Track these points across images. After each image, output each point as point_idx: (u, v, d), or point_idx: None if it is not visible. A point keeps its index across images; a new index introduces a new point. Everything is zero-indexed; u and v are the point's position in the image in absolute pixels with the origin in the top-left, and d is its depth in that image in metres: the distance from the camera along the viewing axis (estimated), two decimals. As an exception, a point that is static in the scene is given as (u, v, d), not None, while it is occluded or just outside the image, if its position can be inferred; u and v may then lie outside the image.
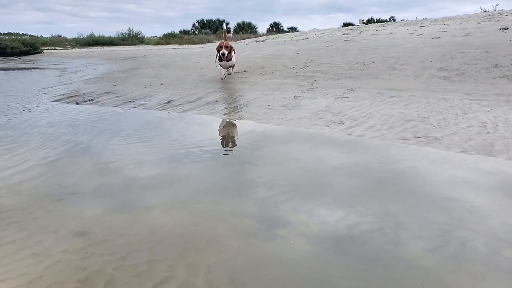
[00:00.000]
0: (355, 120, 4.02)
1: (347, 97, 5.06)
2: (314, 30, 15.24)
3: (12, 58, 20.78)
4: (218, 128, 3.89)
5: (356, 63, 6.96)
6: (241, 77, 6.99)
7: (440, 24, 9.93)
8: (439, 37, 7.77)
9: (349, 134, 3.59)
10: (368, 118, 4.04)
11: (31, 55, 21.87)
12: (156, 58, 11.95)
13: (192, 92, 6.15)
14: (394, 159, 2.92)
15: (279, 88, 5.95)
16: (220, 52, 6.31)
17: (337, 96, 5.13)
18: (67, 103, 5.96)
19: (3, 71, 13.30)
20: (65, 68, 13.24)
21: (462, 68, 5.77)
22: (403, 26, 10.77)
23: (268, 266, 1.62)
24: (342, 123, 3.95)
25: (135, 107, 5.42)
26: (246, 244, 1.78)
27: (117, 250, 1.74)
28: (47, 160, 3.05)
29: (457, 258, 1.65)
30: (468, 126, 3.52)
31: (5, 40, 22.43)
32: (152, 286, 1.49)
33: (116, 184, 2.55)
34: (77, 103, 5.90)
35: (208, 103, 5.36)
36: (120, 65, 11.29)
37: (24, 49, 22.17)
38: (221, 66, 6.63)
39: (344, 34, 10.58)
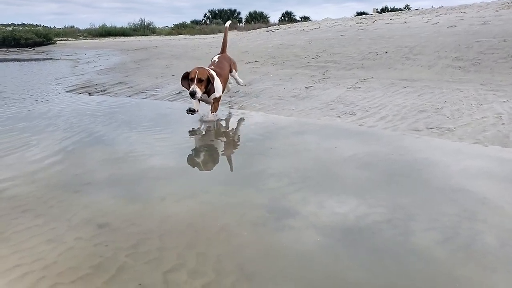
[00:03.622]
0: (367, 111, 3.98)
1: (359, 87, 5.00)
2: (326, 19, 15.05)
3: (26, 49, 21.05)
4: (228, 119, 3.89)
5: (369, 53, 6.87)
6: (252, 67, 6.96)
7: (456, 12, 9.71)
8: (455, 26, 7.60)
9: (360, 125, 3.55)
10: (380, 109, 3.99)
11: (45, 46, 22.12)
12: (168, 49, 11.98)
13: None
14: (406, 150, 2.89)
15: (290, 78, 5.91)
16: (189, 91, 3.66)
17: (349, 87, 5.08)
18: (80, 93, 6.03)
19: (18, 62, 13.50)
20: (78, 58, 13.37)
21: (478, 57, 5.65)
22: (418, 14, 10.55)
23: (277, 256, 1.63)
24: (353, 114, 3.91)
25: (146, 97, 5.45)
26: (255, 234, 1.80)
27: (129, 238, 1.77)
28: (62, 150, 3.10)
29: (468, 250, 1.63)
30: (482, 117, 3.46)
31: (19, 31, 22.73)
32: (162, 273, 1.52)
33: (128, 174, 2.58)
34: (89, 94, 5.96)
35: (219, 93, 5.36)
36: (132, 56, 11.35)
37: (37, 40, 22.44)
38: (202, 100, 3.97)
39: (357, 23, 10.43)
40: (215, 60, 4.48)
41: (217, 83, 3.95)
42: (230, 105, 4.67)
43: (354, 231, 1.80)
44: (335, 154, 2.83)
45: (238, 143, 3.23)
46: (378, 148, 2.93)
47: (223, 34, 5.33)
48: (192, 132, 3.46)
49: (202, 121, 3.99)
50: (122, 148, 3.12)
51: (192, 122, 3.95)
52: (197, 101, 3.87)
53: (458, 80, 4.91)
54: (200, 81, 3.71)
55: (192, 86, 3.66)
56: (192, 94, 3.64)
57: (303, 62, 6.89)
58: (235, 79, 5.12)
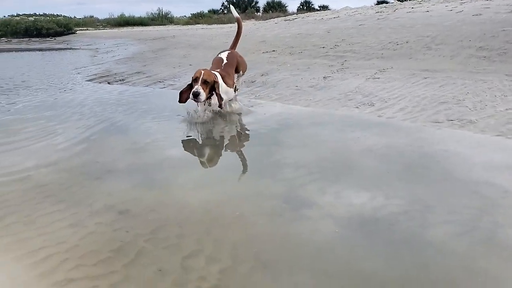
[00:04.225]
0: (385, 101, 3.92)
1: (379, 78, 4.92)
2: (346, 8, 14.79)
3: (47, 39, 21.45)
4: (245, 109, 3.90)
5: (389, 42, 6.74)
6: (269, 57, 6.93)
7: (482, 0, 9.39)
8: (480, 14, 7.37)
9: (379, 116, 3.51)
10: (399, 100, 3.93)
11: (65, 36, 22.48)
12: (185, 38, 12.01)
13: (220, 72, 6.16)
14: (425, 142, 2.84)
15: (308, 68, 5.86)
16: (192, 92, 3.25)
17: (368, 77, 5.00)
18: (100, 82, 6.13)
19: (40, 52, 13.79)
20: (97, 48, 13.55)
21: (504, 47, 5.47)
22: (441, 3, 10.26)
23: (293, 245, 1.64)
24: (372, 104, 3.86)
25: (164, 87, 5.50)
26: (271, 223, 1.81)
27: (148, 224, 1.81)
28: (84, 138, 3.17)
29: (488, 244, 1.61)
30: (506, 109, 3.36)
31: (41, 21, 23.13)
32: (181, 258, 1.55)
33: (147, 162, 2.63)
34: (108, 83, 6.05)
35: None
36: (149, 46, 11.44)
37: (58, 29, 22.82)
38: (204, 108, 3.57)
39: (378, 12, 10.22)
40: (222, 59, 3.78)
41: (224, 89, 3.50)
42: (246, 95, 4.67)
43: (371, 222, 1.79)
44: (353, 145, 2.81)
45: (255, 133, 3.24)
46: (396, 140, 2.89)
47: (237, 26, 4.26)
48: (210, 122, 3.48)
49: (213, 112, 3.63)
50: (142, 137, 3.17)
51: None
52: (203, 109, 3.51)
53: (482, 70, 4.77)
54: (205, 82, 3.28)
55: (196, 86, 3.24)
56: (196, 95, 3.21)
57: (321, 52, 6.81)
58: (237, 83, 4.00)
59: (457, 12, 8.03)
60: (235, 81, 3.84)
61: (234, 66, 3.82)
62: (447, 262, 1.50)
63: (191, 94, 3.27)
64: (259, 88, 4.97)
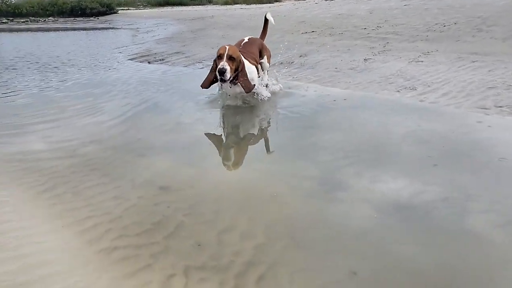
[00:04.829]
0: (428, 86, 3.77)
1: (422, 61, 4.73)
2: (390, -13, 14.14)
3: (91, 18, 22.15)
4: (282, 90, 3.88)
5: (436, 24, 6.42)
6: (308, 38, 6.81)
7: (540, -22, 8.69)
8: (537, -6, 6.84)
9: (421, 101, 3.39)
10: (443, 84, 3.76)
11: (108, 16, 23.10)
12: (224, 19, 12.00)
13: (258, 53, 6.14)
14: (470, 128, 2.73)
15: (348, 50, 5.71)
16: (218, 69, 3.01)
17: (411, 60, 4.81)
18: (140, 62, 6.29)
19: (85, 31, 14.27)
20: (137, 28, 13.84)
21: (562, 30, 5.07)
22: (494, -19, 9.58)
23: (326, 226, 1.65)
24: (414, 88, 3.73)
25: (203, 67, 5.56)
26: (305, 204, 1.83)
27: (186, 199, 1.88)
28: (127, 116, 3.30)
29: (532, 236, 1.55)
30: (562, 96, 3.15)
31: (85, 1, 23.85)
32: (216, 233, 1.61)
33: (186, 140, 2.70)
34: (149, 62, 6.20)
35: (273, 64, 5.33)
36: (188, 26, 11.54)
37: (101, 9, 23.48)
38: (228, 92, 3.43)
39: (424, -9, 9.71)
40: (243, 39, 3.67)
41: (250, 69, 3.28)
42: (284, 77, 4.64)
43: (408, 208, 1.77)
44: (392, 129, 2.74)
45: (292, 115, 3.23)
46: (438, 125, 2.79)
47: (263, 25, 4.12)
48: (247, 103, 3.51)
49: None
50: (181, 117, 3.25)
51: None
52: (231, 93, 3.36)
53: (536, 54, 4.46)
54: (231, 58, 3.03)
55: (222, 63, 2.98)
56: (222, 72, 2.96)
57: (363, 33, 6.60)
58: (261, 70, 3.79)
59: (512, -9, 7.49)
60: (259, 67, 3.64)
61: (256, 48, 3.63)
62: (485, 252, 1.46)
63: (216, 72, 3.02)
64: (297, 70, 4.92)
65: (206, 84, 3.23)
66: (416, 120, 2.91)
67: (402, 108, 3.24)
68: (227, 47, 3.06)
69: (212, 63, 3.22)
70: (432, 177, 2.04)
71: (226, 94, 3.48)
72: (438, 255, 1.45)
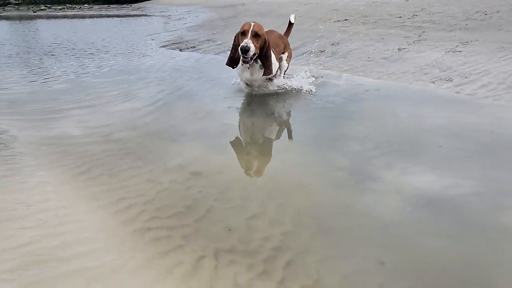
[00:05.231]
0: (466, 77, 3.63)
1: (460, 51, 4.55)
2: (427, -27, 13.58)
3: (124, 5, 22.57)
4: (312, 79, 3.84)
5: (476, 12, 6.13)
6: (341, 26, 6.67)
7: None
8: None
9: (457, 92, 3.27)
10: (482, 76, 3.61)
11: (141, 3, 23.47)
12: (255, 6, 11.92)
13: (289, 42, 6.09)
14: (509, 122, 2.62)
15: (382, 39, 5.57)
16: (241, 47, 2.84)
17: (448, 50, 4.64)
18: (172, 49, 6.38)
19: (119, 18, 14.57)
20: (169, 15, 13.99)
21: None
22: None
23: (355, 216, 1.65)
24: (450, 79, 3.60)
25: (233, 55, 5.58)
26: (334, 194, 1.83)
27: (216, 185, 1.92)
28: (160, 102, 3.38)
29: None
30: None
31: (119, -12, 24.29)
32: (245, 219, 1.64)
33: (217, 129, 2.75)
34: (180, 50, 6.27)
35: (304, 53, 5.27)
36: (219, 13, 11.54)
37: (135, -4, 23.86)
38: (244, 78, 3.33)
39: (465, -23, 9.26)
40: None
41: (273, 56, 3.11)
42: (315, 65, 4.59)
43: (439, 200, 1.73)
44: (425, 121, 2.67)
45: (322, 105, 3.20)
46: (474, 118, 2.69)
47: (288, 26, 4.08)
48: (277, 92, 3.50)
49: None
50: (212, 104, 3.30)
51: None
52: (247, 84, 3.31)
53: None
54: (256, 36, 2.85)
55: (245, 40, 2.80)
56: (245, 50, 2.77)
57: (398, 22, 6.40)
58: (279, 67, 3.49)
59: (562, -23, 7.02)
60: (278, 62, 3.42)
61: (281, 40, 3.48)
62: (521, 250, 1.42)
63: (239, 50, 2.83)
64: (329, 58, 4.85)
65: (229, 63, 3.15)
66: (451, 112, 2.82)
67: (436, 100, 3.14)
68: (252, 23, 2.89)
69: (233, 39, 3.04)
70: (466, 171, 1.98)
71: (241, 79, 3.34)
72: (470, 251, 1.43)
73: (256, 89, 3.40)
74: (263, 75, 3.11)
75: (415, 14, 6.72)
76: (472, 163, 2.07)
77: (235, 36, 3.04)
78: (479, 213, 1.64)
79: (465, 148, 2.25)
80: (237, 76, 3.48)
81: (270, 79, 3.36)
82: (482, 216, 1.62)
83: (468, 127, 2.55)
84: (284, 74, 3.61)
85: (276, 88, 3.46)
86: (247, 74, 3.18)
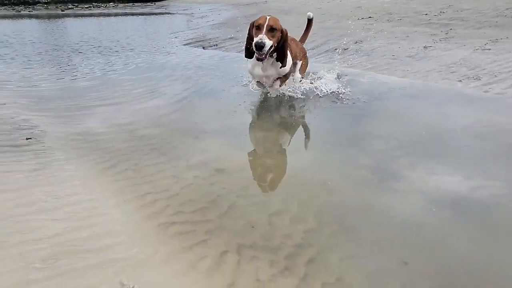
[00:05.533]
0: (495, 76, 3.53)
1: (489, 49, 4.41)
2: (456, -31, 13.20)
3: (148, 3, 22.92)
4: (336, 78, 3.81)
5: (507, 8, 5.93)
6: (365, 24, 6.58)
7: None
8: None
9: (485, 92, 3.19)
10: (512, 74, 3.50)
11: (164, 1, 23.77)
12: (277, 4, 11.89)
13: (310, 40, 6.05)
14: (540, 122, 2.53)
15: (407, 36, 5.46)
16: (255, 43, 2.69)
17: (476, 48, 4.51)
18: (195, 47, 6.44)
19: (143, 16, 14.81)
20: (192, 13, 14.12)
21: None
22: None
23: (378, 215, 1.64)
24: (478, 78, 3.51)
25: (255, 52, 5.59)
26: (357, 192, 1.82)
27: (239, 181, 1.94)
28: (185, 100, 3.43)
29: None
30: None
31: (144, -13, 24.67)
32: (267, 215, 1.66)
33: (239, 125, 2.77)
34: (203, 48, 6.33)
35: (327, 51, 5.23)
36: (242, 11, 11.57)
37: (159, -5, 24.18)
38: (255, 75, 3.14)
39: (495, -27, 8.96)
40: None
41: (288, 57, 2.99)
42: (338, 63, 4.55)
43: (465, 201, 1.70)
44: (451, 121, 2.62)
45: (346, 103, 3.18)
46: (503, 118, 2.62)
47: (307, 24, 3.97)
48: (299, 91, 3.49)
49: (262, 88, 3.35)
50: (234, 102, 3.32)
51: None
52: (258, 82, 3.18)
53: None
54: (271, 30, 2.69)
55: (260, 35, 2.64)
56: (260, 46, 2.62)
57: (424, 19, 6.26)
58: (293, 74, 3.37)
59: None
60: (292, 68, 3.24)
61: (298, 47, 3.39)
62: (552, 254, 1.38)
63: (253, 46, 2.68)
64: (352, 56, 4.80)
65: (248, 55, 2.99)
66: (478, 111, 2.75)
67: (463, 99, 3.07)
68: (268, 17, 2.72)
69: (248, 30, 2.86)
70: (492, 172, 1.94)
71: (252, 76, 3.18)
72: (496, 253, 1.39)
73: (268, 88, 3.23)
74: (281, 67, 2.95)
75: (442, 11, 6.56)
76: (500, 164, 2.02)
77: (249, 28, 2.87)
78: (507, 215, 1.60)
79: (492, 149, 2.19)
80: (248, 73, 3.34)
81: (280, 79, 3.15)
82: (510, 218, 1.58)
83: (496, 127, 2.48)
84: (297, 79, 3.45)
85: (281, 90, 3.28)
86: (258, 70, 3.01)
